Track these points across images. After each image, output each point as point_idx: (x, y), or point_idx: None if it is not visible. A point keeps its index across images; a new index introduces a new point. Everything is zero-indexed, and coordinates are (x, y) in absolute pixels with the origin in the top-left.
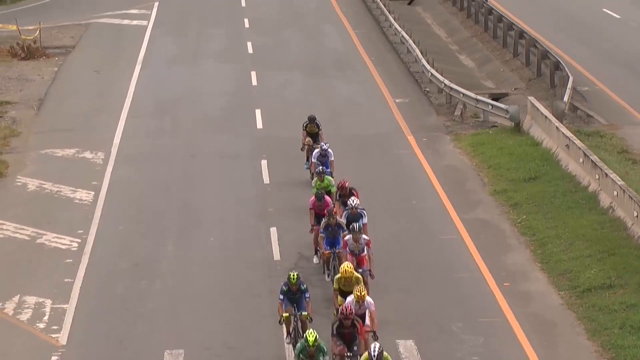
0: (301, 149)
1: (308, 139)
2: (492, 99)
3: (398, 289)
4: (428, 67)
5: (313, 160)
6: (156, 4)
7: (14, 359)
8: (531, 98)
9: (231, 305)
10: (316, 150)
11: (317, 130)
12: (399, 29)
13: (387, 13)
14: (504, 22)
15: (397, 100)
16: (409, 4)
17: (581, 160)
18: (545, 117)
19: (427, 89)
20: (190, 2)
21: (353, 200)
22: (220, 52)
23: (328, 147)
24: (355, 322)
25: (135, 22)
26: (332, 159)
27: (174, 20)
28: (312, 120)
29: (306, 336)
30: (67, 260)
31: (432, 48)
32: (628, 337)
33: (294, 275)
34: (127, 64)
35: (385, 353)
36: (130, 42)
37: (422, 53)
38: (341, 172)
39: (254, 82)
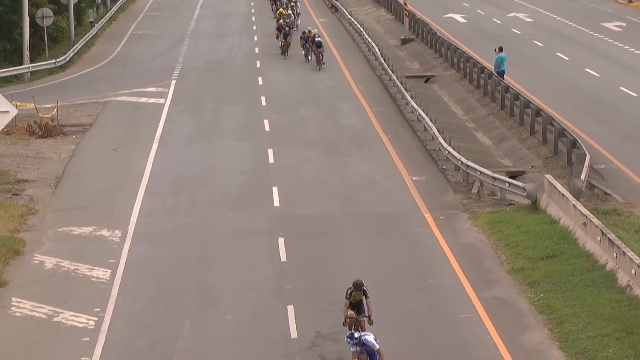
0: (343, 324)
1: (350, 312)
2: (509, 177)
3: None
4: (445, 145)
5: (352, 349)
6: (173, 82)
7: None
8: (548, 176)
9: None
10: (348, 338)
11: (362, 298)
12: (416, 106)
13: (404, 91)
14: (521, 100)
15: (414, 178)
16: (426, 82)
17: (598, 238)
18: (562, 195)
19: (444, 167)
20: (207, 80)
21: None
22: (237, 130)
23: (364, 336)
24: None
25: (152, 100)
26: (378, 346)
27: (191, 98)
28: (357, 286)
29: None
30: (84, 339)
31: (449, 126)
32: None
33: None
34: (144, 142)
35: None
36: (147, 120)
37: (439, 131)
38: (357, 252)
39: (271, 160)
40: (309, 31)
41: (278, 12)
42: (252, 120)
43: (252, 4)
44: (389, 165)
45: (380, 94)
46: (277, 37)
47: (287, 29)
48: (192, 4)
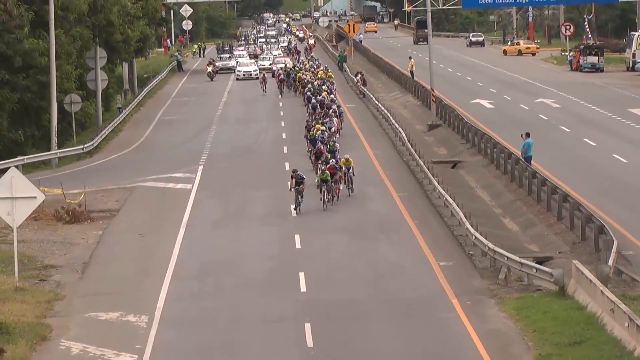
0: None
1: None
2: (537, 263)
3: None
4: (472, 230)
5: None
6: (200, 167)
7: None
8: (575, 262)
9: None
10: None
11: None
12: (443, 192)
13: (431, 176)
14: (548, 185)
15: (441, 264)
16: (453, 167)
17: (626, 324)
18: (590, 281)
19: (471, 252)
20: (234, 166)
21: None
22: (264, 215)
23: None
24: None
25: (179, 186)
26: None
27: (218, 184)
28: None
29: None
30: None
31: (475, 211)
32: None
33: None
34: (171, 227)
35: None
36: (174, 205)
37: (466, 216)
38: (384, 337)
39: (298, 245)
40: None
41: (315, 127)
42: (279, 206)
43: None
44: (415, 251)
45: (407, 179)
46: (315, 166)
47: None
48: (220, 90)
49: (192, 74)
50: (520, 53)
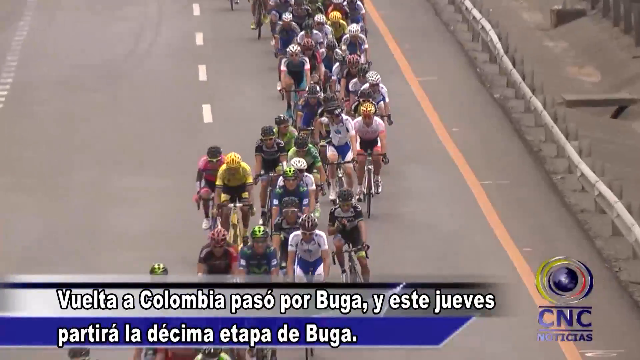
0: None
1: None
2: None
3: None
4: None
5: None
6: None
7: None
8: None
9: None
10: None
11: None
12: (589, 173)
13: (562, 137)
14: None
15: (588, 353)
16: (616, 115)
17: None
18: None
19: None
20: (76, 112)
21: None
22: (148, 236)
23: None
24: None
25: None
26: None
27: (38, 154)
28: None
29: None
30: None
31: None
32: None
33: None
34: None
35: None
36: None
37: None
38: None
39: None
40: None
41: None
42: (184, 214)
43: None
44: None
45: (503, 142)
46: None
47: None
48: None
49: None
50: None
